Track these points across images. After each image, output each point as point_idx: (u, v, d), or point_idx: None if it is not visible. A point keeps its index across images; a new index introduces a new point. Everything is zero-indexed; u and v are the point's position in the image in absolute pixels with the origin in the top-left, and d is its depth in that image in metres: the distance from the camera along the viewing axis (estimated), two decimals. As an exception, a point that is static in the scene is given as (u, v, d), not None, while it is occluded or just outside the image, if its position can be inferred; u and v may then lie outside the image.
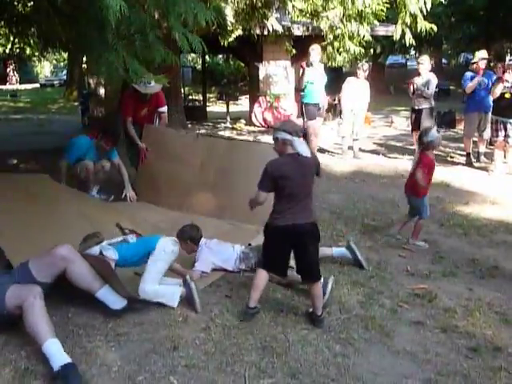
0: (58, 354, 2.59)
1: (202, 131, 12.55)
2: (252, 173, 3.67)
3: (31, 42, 9.78)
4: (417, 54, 34.93)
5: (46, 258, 3.06)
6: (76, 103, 20.22)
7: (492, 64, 8.54)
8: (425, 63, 8.26)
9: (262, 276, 3.21)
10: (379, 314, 3.28)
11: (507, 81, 6.98)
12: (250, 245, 4.04)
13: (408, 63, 38.30)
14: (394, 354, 2.88)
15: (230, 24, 8.71)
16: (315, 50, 7.97)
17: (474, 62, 7.99)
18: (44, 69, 45.70)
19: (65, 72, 34.14)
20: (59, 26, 4.09)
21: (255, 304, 3.20)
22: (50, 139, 10.27)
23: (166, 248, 3.34)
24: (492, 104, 7.35)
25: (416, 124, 7.95)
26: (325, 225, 4.92)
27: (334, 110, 13.47)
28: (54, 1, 3.30)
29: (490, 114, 7.54)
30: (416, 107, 8.05)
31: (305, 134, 6.39)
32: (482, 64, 7.84)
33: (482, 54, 8.01)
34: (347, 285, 3.68)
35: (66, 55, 31.05)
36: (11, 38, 10.09)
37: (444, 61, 31.66)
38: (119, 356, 2.77)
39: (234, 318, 3.21)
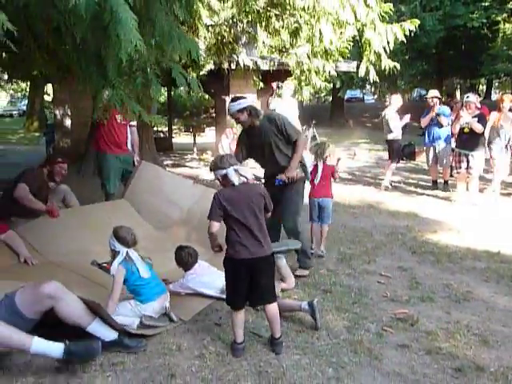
0: (52, 346, 2.76)
1: (169, 162, 12.65)
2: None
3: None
4: (372, 89, 36.39)
5: (32, 295, 3.00)
6: (37, 134, 19.95)
7: (443, 99, 9.26)
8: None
9: (237, 312, 3.19)
10: (366, 338, 3.39)
11: (462, 116, 7.43)
12: None
13: (365, 97, 39.67)
14: (385, 375, 2.98)
15: (202, 58, 8.90)
16: (288, 86, 8.29)
17: (426, 99, 8.77)
18: (0, 99, 44.84)
19: (24, 102, 33.65)
20: (49, 58, 4.14)
21: (242, 339, 3.19)
22: (13, 170, 10.07)
23: (150, 311, 3.42)
24: (448, 137, 8.09)
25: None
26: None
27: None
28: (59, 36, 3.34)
29: (445, 146, 8.23)
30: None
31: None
32: (432, 102, 8.55)
33: (432, 93, 8.71)
34: (332, 310, 3.79)
35: (24, 85, 30.79)
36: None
37: (399, 95, 32.89)
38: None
39: (226, 345, 3.25)
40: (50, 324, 2.97)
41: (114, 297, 3.32)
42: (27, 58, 5.02)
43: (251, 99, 4.49)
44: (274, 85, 8.56)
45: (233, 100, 4.47)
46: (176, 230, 5.27)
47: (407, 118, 8.69)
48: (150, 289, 3.45)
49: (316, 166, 5.19)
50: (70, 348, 2.77)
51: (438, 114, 8.30)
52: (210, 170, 3.34)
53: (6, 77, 11.35)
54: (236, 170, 3.18)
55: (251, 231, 3.12)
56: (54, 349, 2.77)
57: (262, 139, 4.50)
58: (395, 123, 8.57)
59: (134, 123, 6.25)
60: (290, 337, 3.40)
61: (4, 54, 6.45)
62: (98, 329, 3.08)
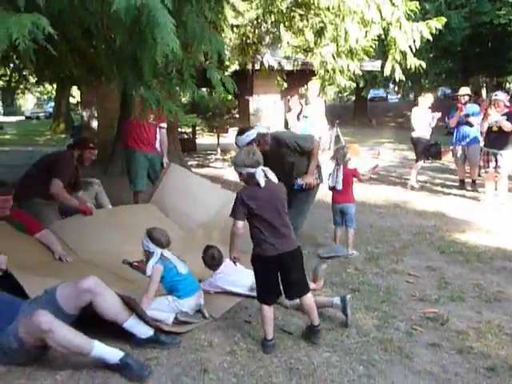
0: (109, 352, 2.79)
1: (193, 162, 12.76)
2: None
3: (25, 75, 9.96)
4: (396, 88, 36.07)
5: (72, 290, 3.06)
6: (63, 135, 20.30)
7: (470, 98, 9.10)
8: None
9: (265, 309, 3.22)
10: (396, 337, 3.39)
11: (490, 114, 7.33)
12: None
13: (389, 96, 39.31)
14: (416, 374, 2.99)
15: (227, 59, 8.98)
16: (313, 88, 8.29)
17: (456, 97, 8.61)
18: (27, 101, 45.75)
19: (50, 105, 34.23)
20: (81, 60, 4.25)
21: (271, 336, 3.21)
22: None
23: (186, 307, 3.49)
24: (477, 137, 7.94)
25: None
26: (331, 253, 5.13)
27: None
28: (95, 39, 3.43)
29: (474, 145, 8.07)
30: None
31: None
32: (462, 99, 8.39)
33: (463, 91, 8.57)
34: (361, 309, 3.80)
35: (50, 88, 31.36)
36: (6, 71, 10.27)
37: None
38: (151, 379, 2.82)
39: (256, 342, 3.29)
40: (87, 320, 3.04)
41: (150, 294, 3.39)
42: (58, 61, 5.12)
43: (258, 128, 4.43)
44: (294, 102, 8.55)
45: (240, 133, 4.39)
46: (202, 231, 5.31)
47: (437, 116, 8.57)
48: (187, 285, 3.51)
49: (336, 171, 5.07)
50: (127, 360, 2.81)
51: (467, 115, 8.17)
52: (235, 165, 3.29)
53: (33, 80, 11.56)
54: (263, 171, 3.21)
55: (276, 229, 3.16)
56: (112, 356, 2.82)
57: (278, 162, 4.41)
58: (419, 122, 8.51)
59: (165, 125, 6.35)
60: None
61: (35, 58, 6.63)
62: (134, 325, 3.13)
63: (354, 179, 5.20)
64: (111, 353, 2.83)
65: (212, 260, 4.04)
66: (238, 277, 4.01)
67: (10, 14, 2.43)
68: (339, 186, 5.03)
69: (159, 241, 3.45)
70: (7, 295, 3.16)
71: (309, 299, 3.29)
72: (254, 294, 3.93)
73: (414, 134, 8.65)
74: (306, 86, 9.03)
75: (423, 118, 8.56)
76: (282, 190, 3.31)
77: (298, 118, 8.43)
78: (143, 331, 3.14)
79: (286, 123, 10.59)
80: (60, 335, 2.72)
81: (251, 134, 4.34)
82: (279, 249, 3.15)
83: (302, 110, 8.42)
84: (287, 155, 4.54)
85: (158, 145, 6.28)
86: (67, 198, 4.90)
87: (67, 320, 2.90)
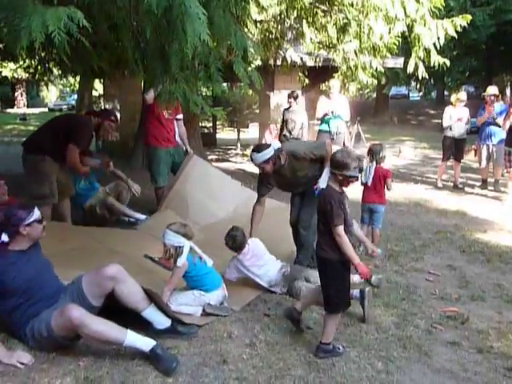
0: (142, 340, 2.85)
1: (213, 157, 12.81)
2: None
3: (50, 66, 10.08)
4: (417, 86, 35.68)
5: (95, 278, 3.10)
6: (85, 127, 20.50)
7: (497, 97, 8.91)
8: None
9: (339, 316, 3.16)
10: (415, 334, 3.39)
11: (514, 113, 7.23)
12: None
13: (410, 94, 38.89)
14: (435, 372, 2.98)
15: (250, 54, 8.96)
16: (334, 84, 8.25)
17: (483, 96, 8.43)
18: (50, 93, 46.27)
19: (73, 97, 34.58)
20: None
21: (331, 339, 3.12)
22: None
23: (214, 300, 3.54)
24: (506, 136, 7.68)
25: None
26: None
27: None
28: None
29: (501, 145, 7.87)
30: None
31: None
32: (489, 100, 8.22)
33: (491, 90, 8.39)
34: (381, 306, 3.80)
35: (72, 81, 31.70)
36: (32, 63, 10.41)
37: (445, 93, 32.20)
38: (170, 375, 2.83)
39: (275, 335, 3.32)
40: (109, 310, 3.09)
41: (170, 286, 3.44)
42: (85, 55, 5.19)
43: (274, 145, 4.36)
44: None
45: (257, 150, 4.31)
46: (222, 227, 5.32)
47: (462, 113, 8.40)
48: (213, 277, 3.57)
49: (369, 168, 4.97)
50: (157, 351, 2.84)
51: (494, 117, 8.00)
52: (339, 167, 3.00)
53: (57, 72, 11.69)
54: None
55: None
56: (144, 344, 2.86)
57: (294, 174, 4.45)
58: (447, 120, 8.40)
59: (181, 116, 6.41)
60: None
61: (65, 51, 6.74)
62: (152, 315, 3.16)
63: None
64: (143, 342, 2.87)
65: (233, 243, 4.03)
66: (267, 263, 4.04)
67: (46, 7, 2.48)
68: (370, 182, 4.93)
69: (186, 234, 3.48)
70: (56, 277, 3.19)
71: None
72: (274, 289, 3.98)
73: (444, 133, 8.50)
74: (326, 83, 8.94)
75: (450, 116, 8.40)
76: None
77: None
78: (161, 321, 3.17)
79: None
80: (92, 328, 2.77)
81: (268, 153, 4.24)
82: None
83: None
84: (302, 166, 4.53)
85: (177, 137, 6.34)
86: (79, 167, 4.92)
87: (93, 310, 2.96)
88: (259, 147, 4.41)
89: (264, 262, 4.04)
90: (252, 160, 4.39)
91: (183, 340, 3.18)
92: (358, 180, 3.19)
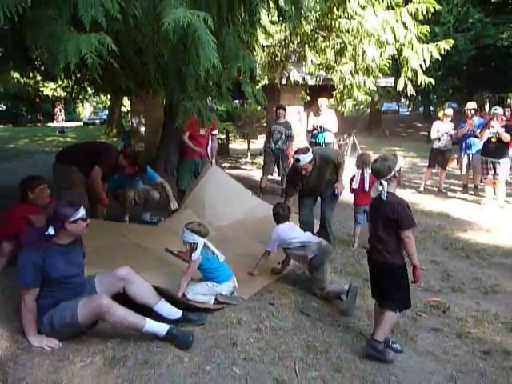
0: (159, 326, 2.87)
1: (226, 164, 12.83)
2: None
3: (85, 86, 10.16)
4: (407, 102, 35.53)
5: (108, 278, 3.11)
6: (115, 139, 20.63)
7: (476, 112, 8.86)
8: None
9: (395, 317, 2.96)
10: (402, 321, 3.37)
11: (493, 127, 7.18)
12: None
13: (400, 109, 38.73)
14: (419, 354, 2.97)
15: (258, 74, 9.00)
16: (323, 103, 8.14)
17: (464, 111, 8.39)
18: (85, 109, 46.65)
19: (105, 112, 34.80)
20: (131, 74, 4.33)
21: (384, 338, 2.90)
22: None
23: (225, 290, 3.53)
24: (482, 146, 7.61)
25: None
26: (344, 246, 5.11)
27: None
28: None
29: (478, 154, 7.81)
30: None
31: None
32: (469, 113, 8.18)
33: (470, 105, 8.36)
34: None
35: (104, 98, 31.95)
36: (69, 83, 10.52)
37: (431, 108, 32.04)
38: (188, 349, 2.87)
39: (279, 321, 3.32)
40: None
41: (187, 278, 3.44)
42: (114, 76, 5.23)
43: (310, 149, 4.49)
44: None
45: (302, 152, 4.35)
46: (233, 228, 5.34)
47: (448, 127, 8.34)
48: (224, 270, 3.57)
49: (362, 175, 4.97)
50: (173, 331, 2.88)
51: (474, 130, 7.95)
52: (388, 171, 2.83)
53: (90, 91, 11.84)
54: None
55: None
56: (161, 329, 2.88)
57: (320, 176, 4.56)
58: (434, 133, 8.36)
59: (216, 132, 6.49)
60: (334, 317, 3.43)
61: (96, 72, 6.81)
62: (163, 308, 3.12)
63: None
64: (160, 327, 2.90)
65: (282, 212, 4.07)
66: (297, 233, 4.03)
67: (80, 34, 2.52)
68: (367, 188, 4.87)
69: (200, 232, 3.49)
70: (82, 274, 3.13)
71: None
72: (313, 240, 3.93)
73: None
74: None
75: (436, 130, 8.35)
76: None
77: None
78: (172, 313, 3.13)
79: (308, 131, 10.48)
80: (117, 314, 2.80)
81: (310, 155, 4.41)
82: None
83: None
84: (328, 169, 4.60)
85: (209, 149, 6.41)
86: (99, 186, 4.90)
87: None
88: (303, 150, 4.46)
89: (293, 233, 4.00)
90: (299, 161, 4.42)
91: (197, 326, 3.18)
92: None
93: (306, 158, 4.38)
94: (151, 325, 2.88)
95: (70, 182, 4.80)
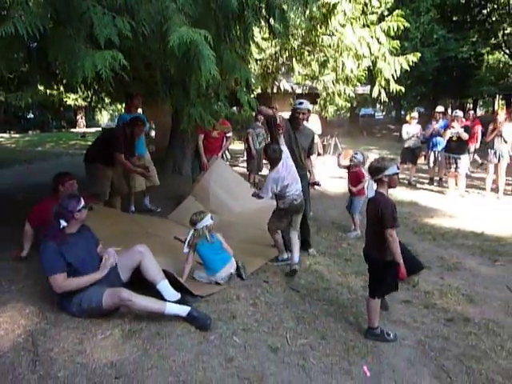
0: (179, 308, 2.81)
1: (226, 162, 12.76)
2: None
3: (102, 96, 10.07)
4: (381, 107, 35.50)
5: (128, 253, 3.10)
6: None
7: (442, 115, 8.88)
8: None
9: (375, 304, 2.77)
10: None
11: (454, 127, 7.20)
12: None
13: (376, 114, 38.70)
14: (392, 323, 2.99)
15: (252, 84, 8.94)
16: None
17: (434, 113, 8.41)
18: (103, 116, 46.28)
19: (120, 119, 34.48)
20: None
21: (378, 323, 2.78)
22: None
23: (219, 279, 3.43)
24: (445, 144, 7.64)
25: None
26: (328, 231, 5.11)
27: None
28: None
29: (442, 151, 7.83)
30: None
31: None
32: (438, 116, 8.20)
33: (438, 109, 8.39)
34: (352, 274, 3.79)
35: (120, 106, 31.73)
36: (88, 93, 10.44)
37: (402, 112, 32.01)
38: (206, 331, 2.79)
39: (272, 297, 3.31)
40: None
41: (187, 265, 3.41)
42: (126, 87, 5.18)
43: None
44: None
45: (302, 102, 4.13)
46: (234, 216, 5.31)
47: (416, 129, 8.35)
48: (220, 260, 3.45)
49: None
50: (193, 313, 2.81)
51: (438, 130, 7.96)
52: (380, 171, 2.66)
53: (107, 100, 11.79)
54: None
55: None
56: (182, 311, 2.82)
57: (303, 141, 4.20)
58: (405, 134, 8.37)
59: (230, 134, 6.42)
60: (319, 292, 3.43)
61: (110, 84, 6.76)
62: (164, 288, 3.04)
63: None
64: (180, 309, 2.83)
65: (273, 154, 3.58)
66: (292, 182, 3.69)
67: (95, 50, 2.49)
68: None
69: (191, 221, 3.47)
70: (99, 255, 3.10)
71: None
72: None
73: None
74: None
75: (406, 131, 8.36)
76: None
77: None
78: (172, 295, 3.03)
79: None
80: (138, 303, 2.77)
81: (310, 106, 4.38)
82: None
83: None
84: (309, 137, 4.37)
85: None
86: (130, 166, 4.88)
87: (126, 286, 2.92)
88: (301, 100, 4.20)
89: (288, 181, 3.65)
90: (302, 103, 4.11)
91: (201, 301, 3.17)
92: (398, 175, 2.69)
93: (307, 105, 4.13)
94: (171, 308, 2.82)
95: (95, 178, 4.81)
